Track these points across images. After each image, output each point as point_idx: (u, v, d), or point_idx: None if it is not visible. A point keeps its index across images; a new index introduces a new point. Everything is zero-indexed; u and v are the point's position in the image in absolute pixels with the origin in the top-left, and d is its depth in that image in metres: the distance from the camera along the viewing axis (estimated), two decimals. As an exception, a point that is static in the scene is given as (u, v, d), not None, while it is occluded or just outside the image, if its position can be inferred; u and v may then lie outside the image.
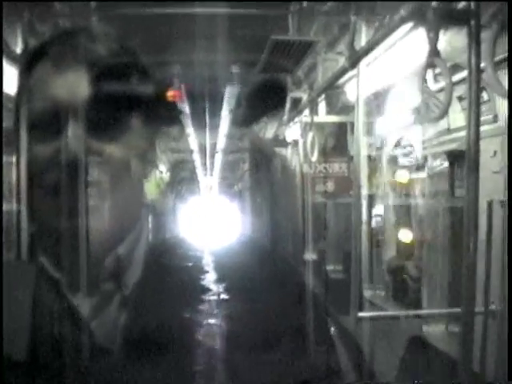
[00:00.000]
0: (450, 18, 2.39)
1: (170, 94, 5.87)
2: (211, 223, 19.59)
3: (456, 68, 3.16)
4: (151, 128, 1.02)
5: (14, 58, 3.13)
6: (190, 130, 9.31)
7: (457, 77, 3.09)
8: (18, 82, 1.00)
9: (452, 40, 2.70)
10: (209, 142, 10.80)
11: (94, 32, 0.98)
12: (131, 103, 0.95)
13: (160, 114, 1.05)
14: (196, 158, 12.86)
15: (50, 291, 0.93)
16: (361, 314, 3.52)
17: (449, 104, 2.39)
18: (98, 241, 0.92)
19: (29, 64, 0.97)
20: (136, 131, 0.97)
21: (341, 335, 1.07)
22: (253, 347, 0.94)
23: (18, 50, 3.32)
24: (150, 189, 1.05)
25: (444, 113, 2.46)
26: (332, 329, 1.06)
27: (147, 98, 1.00)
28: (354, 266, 3.98)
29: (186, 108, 7.31)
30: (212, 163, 14.08)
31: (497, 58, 2.42)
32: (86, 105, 0.90)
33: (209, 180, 17.01)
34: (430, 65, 2.46)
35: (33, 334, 0.88)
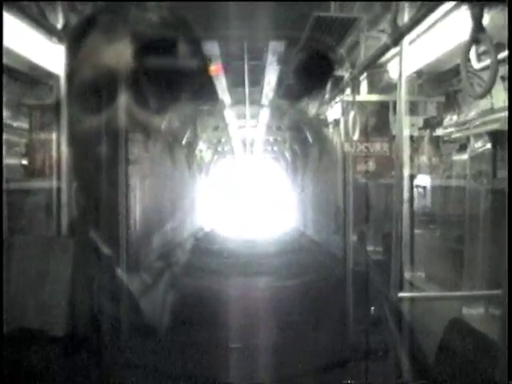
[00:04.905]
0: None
1: (212, 68, 5.86)
2: (250, 203, 19.66)
3: (498, 47, 3.07)
4: (195, 103, 1.01)
5: (56, 35, 3.20)
6: (230, 107, 9.28)
7: (500, 56, 3.00)
8: (68, 54, 0.99)
9: (494, 18, 2.62)
10: (250, 121, 10.78)
11: (147, 3, 0.96)
12: (181, 75, 0.95)
13: (203, 89, 1.04)
14: (237, 136, 12.84)
15: (100, 267, 0.94)
16: (401, 294, 3.52)
17: (493, 82, 2.32)
18: (145, 219, 0.92)
19: (80, 35, 0.96)
20: (182, 105, 0.96)
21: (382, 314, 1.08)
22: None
23: (59, 26, 3.37)
24: (193, 168, 1.04)
25: (487, 91, 2.40)
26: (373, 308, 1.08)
27: (194, 71, 1.00)
28: (394, 247, 3.95)
29: (226, 85, 7.28)
30: (253, 142, 14.09)
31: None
32: (137, 75, 0.89)
33: (250, 160, 17.05)
34: (474, 41, 2.39)
35: (78, 308, 0.89)
